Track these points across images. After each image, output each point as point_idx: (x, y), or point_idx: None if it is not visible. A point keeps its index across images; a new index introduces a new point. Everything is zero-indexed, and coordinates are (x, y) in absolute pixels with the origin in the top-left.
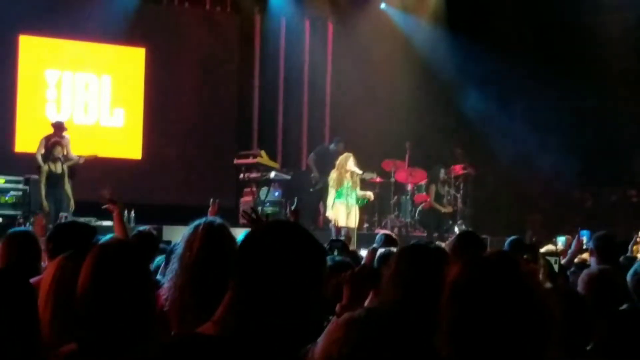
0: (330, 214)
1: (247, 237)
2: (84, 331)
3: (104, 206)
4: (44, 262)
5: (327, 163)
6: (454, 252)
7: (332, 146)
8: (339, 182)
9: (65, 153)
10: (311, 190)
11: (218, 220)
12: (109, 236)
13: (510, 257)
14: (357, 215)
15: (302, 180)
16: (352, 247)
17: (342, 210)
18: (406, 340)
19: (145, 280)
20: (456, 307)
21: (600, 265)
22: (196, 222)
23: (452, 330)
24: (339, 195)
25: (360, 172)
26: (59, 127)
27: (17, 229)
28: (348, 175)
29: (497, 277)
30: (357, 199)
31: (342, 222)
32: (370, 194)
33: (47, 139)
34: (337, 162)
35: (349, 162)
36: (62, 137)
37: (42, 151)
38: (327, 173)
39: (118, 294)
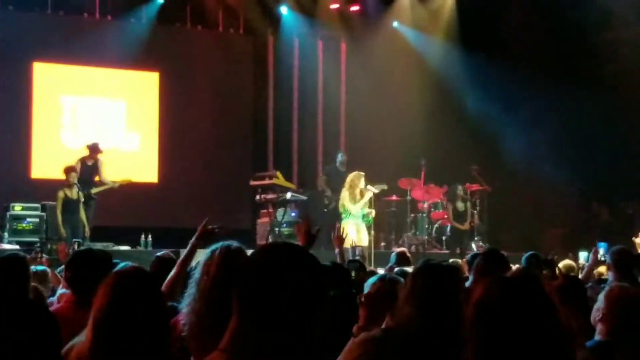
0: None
1: (248, 262)
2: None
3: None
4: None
5: (338, 181)
6: (479, 271)
7: (337, 162)
8: (351, 200)
9: (79, 177)
10: (325, 210)
11: (235, 244)
12: (123, 264)
13: (534, 276)
14: (366, 233)
15: (319, 201)
16: (369, 266)
17: (351, 229)
18: (422, 359)
19: (161, 307)
20: (483, 326)
21: (621, 283)
22: (213, 247)
23: (480, 349)
24: (347, 214)
25: (376, 190)
26: (93, 149)
27: (6, 254)
28: (358, 192)
29: (522, 297)
30: (364, 217)
31: (352, 241)
32: (372, 212)
33: (82, 161)
34: (348, 181)
35: (362, 181)
36: (97, 160)
37: (78, 175)
38: (340, 191)
39: (133, 321)
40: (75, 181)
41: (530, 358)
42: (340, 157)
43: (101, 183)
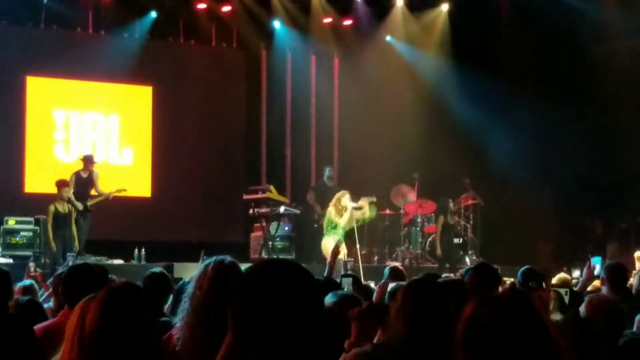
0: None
1: (243, 279)
2: None
3: None
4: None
5: (326, 197)
6: (470, 286)
7: (325, 177)
8: (337, 217)
9: (95, 193)
10: (315, 226)
11: (228, 258)
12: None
13: (524, 294)
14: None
15: (312, 215)
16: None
17: (330, 245)
18: None
19: (152, 323)
20: (473, 346)
21: (605, 293)
22: (206, 261)
23: None
24: (329, 231)
25: (355, 204)
26: (88, 160)
27: None
28: (342, 209)
29: (511, 316)
30: (345, 232)
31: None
32: (364, 211)
33: (77, 174)
34: (334, 199)
35: (344, 199)
36: (91, 172)
37: (74, 188)
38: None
39: (125, 337)
40: (69, 195)
41: None
42: (327, 172)
43: (96, 195)
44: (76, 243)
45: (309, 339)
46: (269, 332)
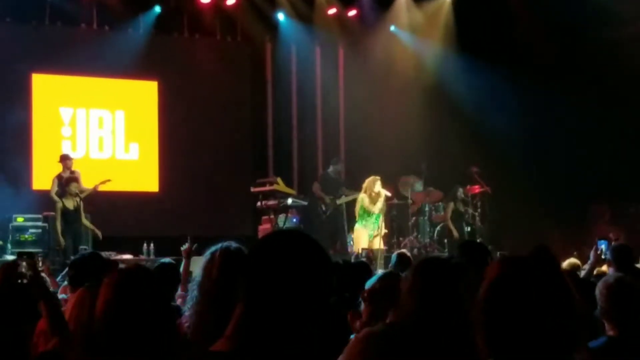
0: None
1: (254, 249)
2: (103, 355)
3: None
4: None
5: (332, 186)
6: None
7: (330, 169)
8: (371, 205)
9: (80, 189)
10: (324, 217)
11: (234, 244)
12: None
13: (550, 255)
14: (381, 236)
15: (320, 206)
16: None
17: (364, 234)
18: (423, 354)
19: (164, 304)
20: (495, 305)
21: (617, 274)
22: (213, 249)
23: (491, 328)
24: (364, 219)
25: (389, 194)
26: (64, 159)
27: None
28: (374, 196)
29: (536, 274)
30: (377, 221)
31: (363, 246)
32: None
33: (59, 177)
34: (365, 186)
35: (377, 185)
36: (73, 172)
37: (56, 189)
38: (336, 196)
39: (138, 317)
40: (76, 192)
41: (541, 338)
42: (333, 162)
43: (82, 192)
44: (97, 232)
45: (319, 308)
46: (278, 300)
